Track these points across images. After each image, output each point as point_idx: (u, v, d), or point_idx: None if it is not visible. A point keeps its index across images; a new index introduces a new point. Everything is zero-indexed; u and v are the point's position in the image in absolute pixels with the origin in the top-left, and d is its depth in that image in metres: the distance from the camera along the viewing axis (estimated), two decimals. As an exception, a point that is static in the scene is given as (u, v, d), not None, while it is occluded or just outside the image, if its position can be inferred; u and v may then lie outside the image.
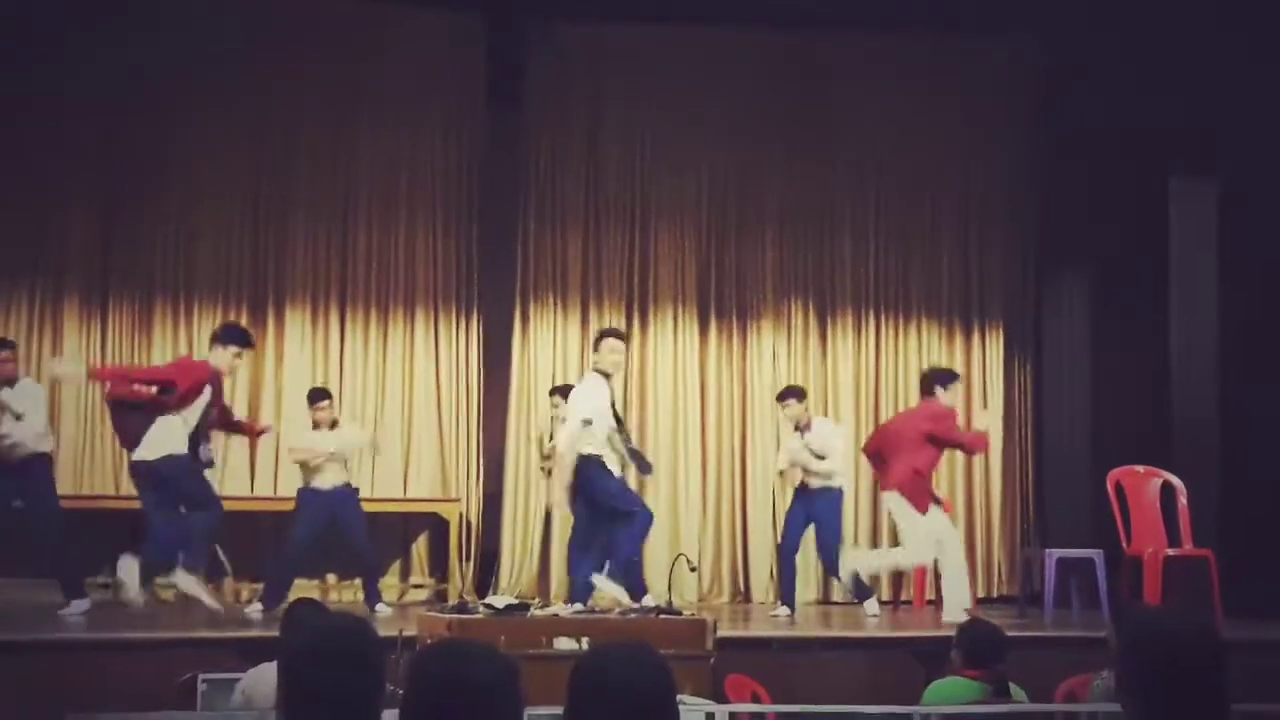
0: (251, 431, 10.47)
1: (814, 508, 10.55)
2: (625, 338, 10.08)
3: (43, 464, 9.60)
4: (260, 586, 10.45)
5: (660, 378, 12.29)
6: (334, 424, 10.55)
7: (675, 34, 12.28)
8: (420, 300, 12.08)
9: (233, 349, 9.34)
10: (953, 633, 6.27)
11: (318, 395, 10.68)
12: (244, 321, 11.80)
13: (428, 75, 12.19)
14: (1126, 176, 11.28)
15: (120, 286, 11.67)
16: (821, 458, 10.48)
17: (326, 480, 10.31)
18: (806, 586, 11.05)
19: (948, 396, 10.07)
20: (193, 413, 9.08)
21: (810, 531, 10.61)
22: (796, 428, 10.65)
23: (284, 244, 11.97)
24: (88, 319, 11.58)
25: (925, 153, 12.59)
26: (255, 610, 9.87)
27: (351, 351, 11.98)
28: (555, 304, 12.24)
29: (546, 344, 12.17)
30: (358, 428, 11.22)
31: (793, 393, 10.85)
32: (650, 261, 12.40)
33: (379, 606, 10.16)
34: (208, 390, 9.15)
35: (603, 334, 9.74)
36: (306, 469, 10.38)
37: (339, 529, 10.35)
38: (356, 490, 10.50)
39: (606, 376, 9.42)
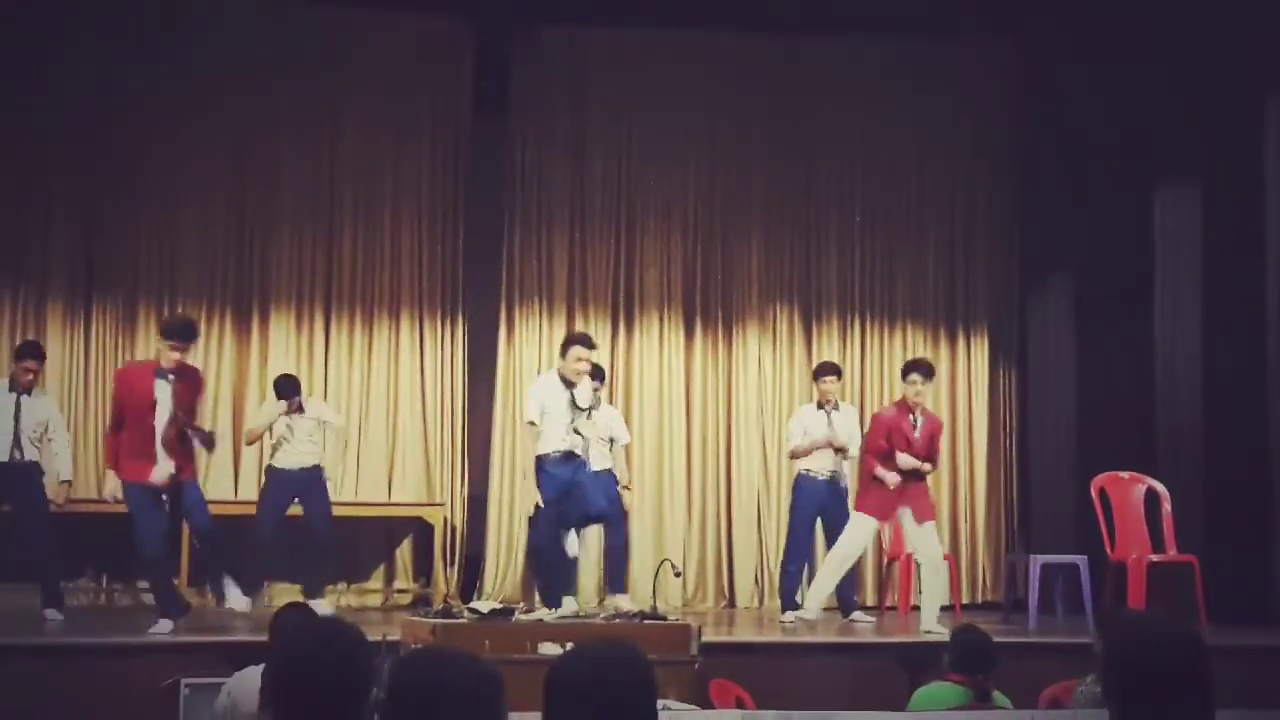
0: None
1: (825, 498, 10.43)
2: (593, 345, 9.88)
3: (34, 469, 9.54)
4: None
5: (645, 382, 12.28)
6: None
7: (659, 38, 12.30)
8: (405, 304, 12.07)
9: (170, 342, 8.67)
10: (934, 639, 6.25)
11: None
12: (229, 325, 11.83)
13: (413, 80, 12.18)
14: (1111, 181, 11.29)
15: (104, 290, 11.64)
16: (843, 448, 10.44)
17: (294, 460, 10.14)
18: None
19: (912, 390, 9.71)
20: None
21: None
22: (821, 405, 10.59)
23: (269, 247, 11.96)
24: (71, 322, 11.54)
25: (910, 158, 12.61)
26: (243, 603, 9.37)
27: (336, 355, 11.95)
28: (540, 308, 12.23)
29: (532, 348, 12.15)
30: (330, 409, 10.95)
31: (834, 369, 10.79)
32: (636, 265, 12.40)
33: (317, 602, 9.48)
34: (161, 388, 8.67)
35: (571, 340, 9.72)
36: (277, 447, 10.19)
37: (303, 507, 10.10)
38: (322, 470, 10.29)
39: (567, 381, 9.43)
